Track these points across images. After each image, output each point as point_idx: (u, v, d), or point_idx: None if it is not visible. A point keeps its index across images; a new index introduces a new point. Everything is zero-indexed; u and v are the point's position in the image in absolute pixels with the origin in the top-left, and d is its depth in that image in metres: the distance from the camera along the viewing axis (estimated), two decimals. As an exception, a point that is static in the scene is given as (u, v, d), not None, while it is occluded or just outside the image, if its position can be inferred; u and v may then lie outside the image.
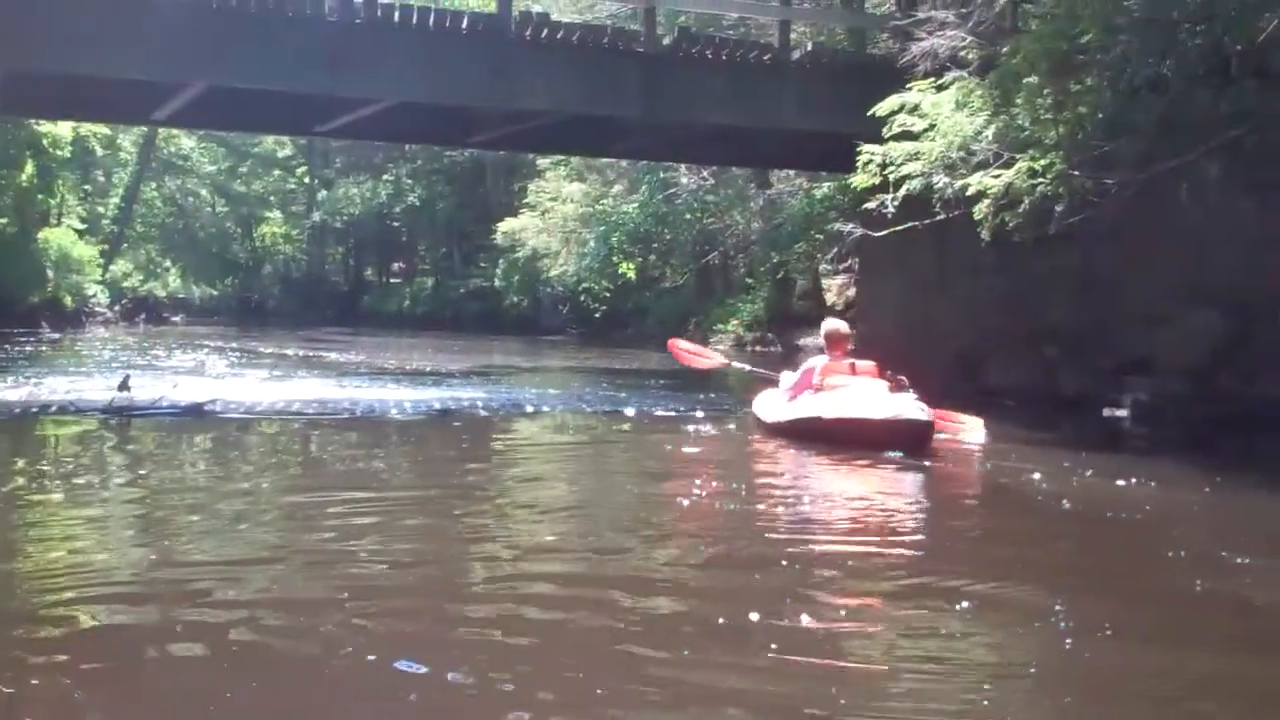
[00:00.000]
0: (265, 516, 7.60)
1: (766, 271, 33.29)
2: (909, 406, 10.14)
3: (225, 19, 12.87)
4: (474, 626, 5.08)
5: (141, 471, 9.41)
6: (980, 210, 12.38)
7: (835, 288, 33.22)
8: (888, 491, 8.98)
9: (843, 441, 10.08)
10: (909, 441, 9.90)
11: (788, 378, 11.82)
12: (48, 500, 7.94)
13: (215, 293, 60.17)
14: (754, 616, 5.06)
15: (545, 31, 13.98)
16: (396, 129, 16.89)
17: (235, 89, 14.03)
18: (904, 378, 10.69)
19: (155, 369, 20.73)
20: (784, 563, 6.18)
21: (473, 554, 6.56)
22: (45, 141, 35.66)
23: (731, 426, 12.62)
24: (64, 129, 35.89)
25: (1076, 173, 11.76)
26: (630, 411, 13.87)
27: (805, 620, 5.05)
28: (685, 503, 8.08)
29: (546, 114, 14.96)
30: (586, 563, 6.38)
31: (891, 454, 9.84)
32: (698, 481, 8.67)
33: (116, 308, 48.29)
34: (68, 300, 40.54)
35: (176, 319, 52.94)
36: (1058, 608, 5.29)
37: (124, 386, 12.89)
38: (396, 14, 13.60)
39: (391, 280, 62.70)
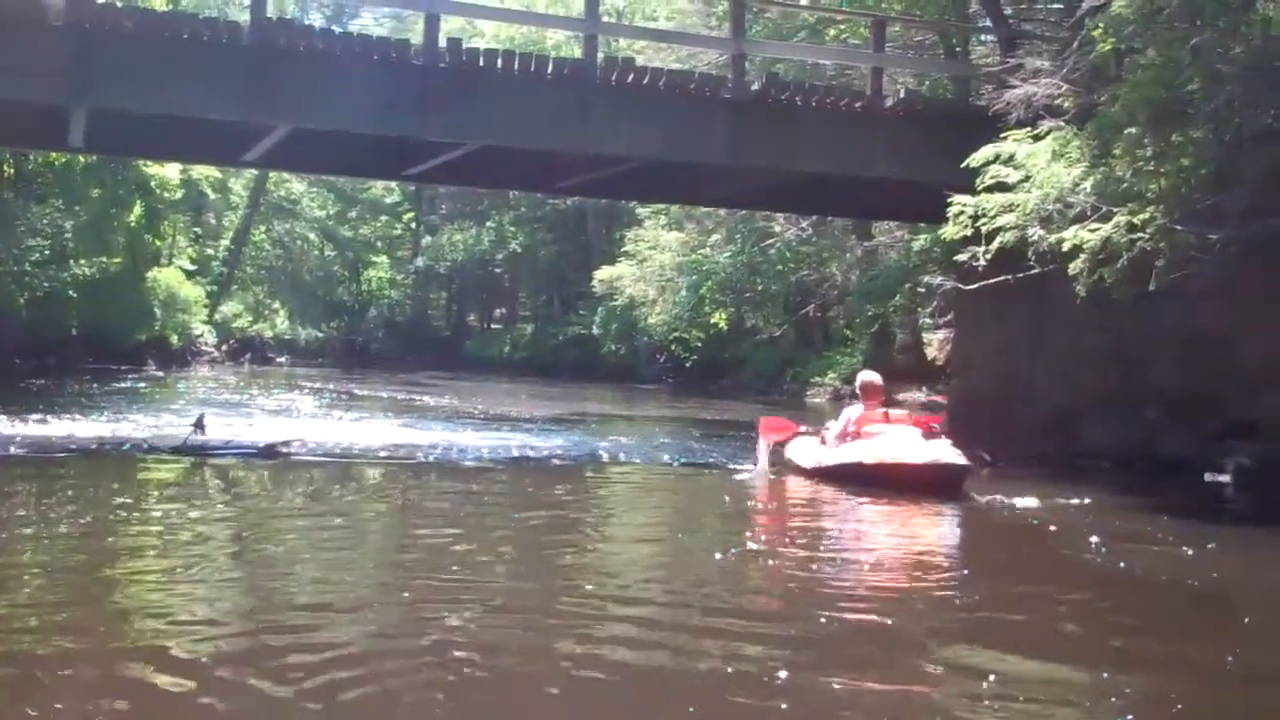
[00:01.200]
0: (302, 561, 7.52)
1: (865, 324, 32.75)
2: (946, 451, 10.99)
3: (311, 62, 12.85)
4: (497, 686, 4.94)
5: (195, 513, 9.28)
6: (1076, 265, 11.85)
7: (936, 342, 32.57)
8: (937, 550, 9.09)
9: (883, 484, 10.83)
10: (946, 484, 10.69)
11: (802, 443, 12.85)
12: (95, 540, 7.89)
13: (321, 335, 60.88)
14: (783, 674, 5.00)
15: (630, 76, 13.78)
16: (484, 173, 16.74)
17: (322, 131, 14.04)
18: (937, 425, 11.75)
19: (245, 408, 20.92)
20: (823, 620, 6.10)
21: (500, 607, 6.31)
22: (153, 183, 36.43)
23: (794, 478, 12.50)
24: (171, 171, 36.63)
25: (1179, 227, 11.22)
26: (707, 461, 13.60)
27: (837, 687, 4.93)
28: (719, 557, 7.89)
29: (630, 160, 14.74)
30: (620, 622, 6.16)
31: (935, 501, 10.42)
32: (748, 534, 8.63)
33: (224, 347, 49.05)
34: (174, 339, 41.31)
35: (282, 360, 53.55)
36: (1103, 680, 5.12)
37: (199, 426, 12.84)
38: (481, 58, 13.52)
39: (493, 326, 63.05)
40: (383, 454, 13.55)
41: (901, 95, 15.10)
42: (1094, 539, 8.71)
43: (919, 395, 30.61)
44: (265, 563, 7.46)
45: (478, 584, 6.88)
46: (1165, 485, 12.53)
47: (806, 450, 12.54)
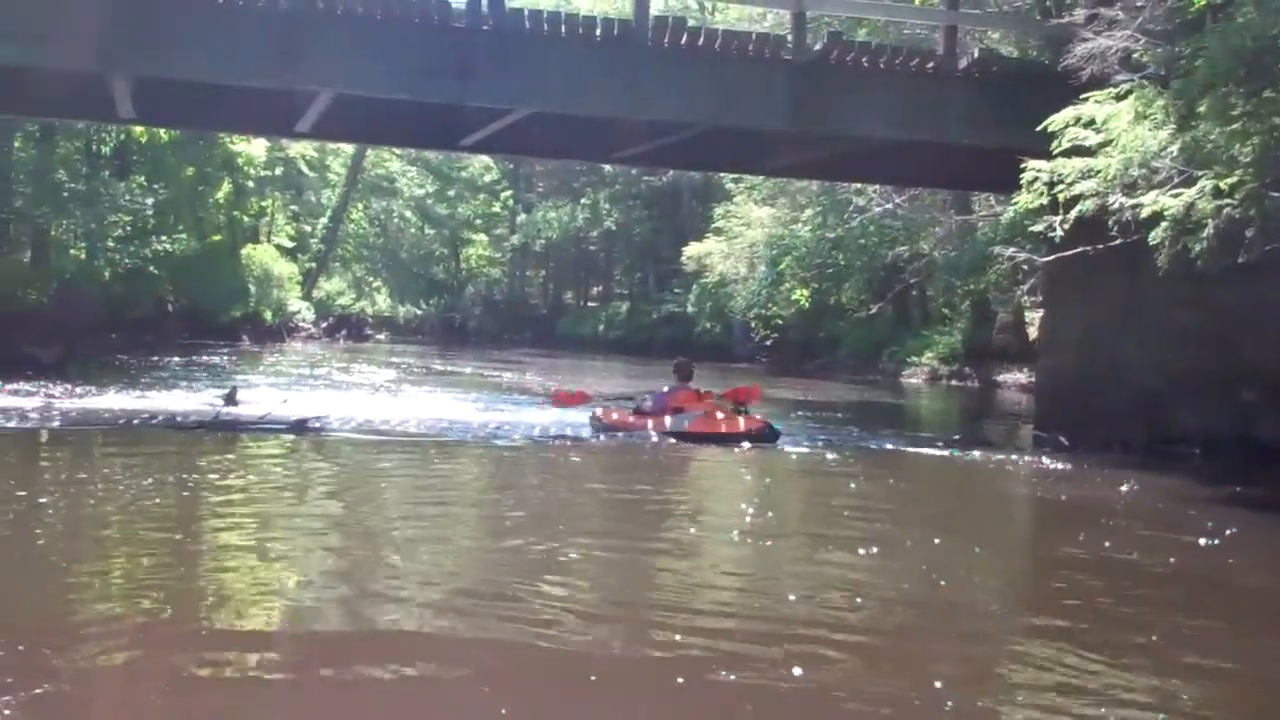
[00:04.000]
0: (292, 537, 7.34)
1: (962, 301, 31.60)
2: (757, 422, 13.56)
3: (349, 26, 12.37)
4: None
5: (196, 489, 8.90)
6: (1157, 234, 10.91)
7: (1039, 320, 31.28)
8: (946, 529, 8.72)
9: (716, 443, 13.07)
10: (764, 437, 13.20)
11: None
12: (116, 513, 7.81)
13: (420, 312, 61.07)
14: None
15: (684, 38, 13.06)
16: (539, 143, 16.17)
17: (367, 99, 13.61)
18: (745, 397, 14.45)
19: (312, 382, 20.73)
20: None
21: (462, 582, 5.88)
22: (240, 159, 36.60)
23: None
24: (258, 148, 36.79)
25: (1275, 193, 10.21)
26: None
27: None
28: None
29: (685, 126, 14.05)
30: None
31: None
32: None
33: (324, 324, 49.32)
34: (268, 315, 41.52)
35: (381, 337, 53.82)
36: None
37: (231, 400, 12.52)
38: (526, 21, 12.90)
39: (589, 304, 62.62)
40: (414, 430, 13.21)
41: (975, 55, 14.12)
42: (1128, 525, 8.53)
43: (1019, 377, 29.49)
44: (297, 535, 7.47)
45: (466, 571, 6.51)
46: (1259, 474, 11.57)
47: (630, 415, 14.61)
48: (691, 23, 13.75)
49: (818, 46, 13.57)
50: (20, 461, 10.43)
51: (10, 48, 11.72)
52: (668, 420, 13.77)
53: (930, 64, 13.85)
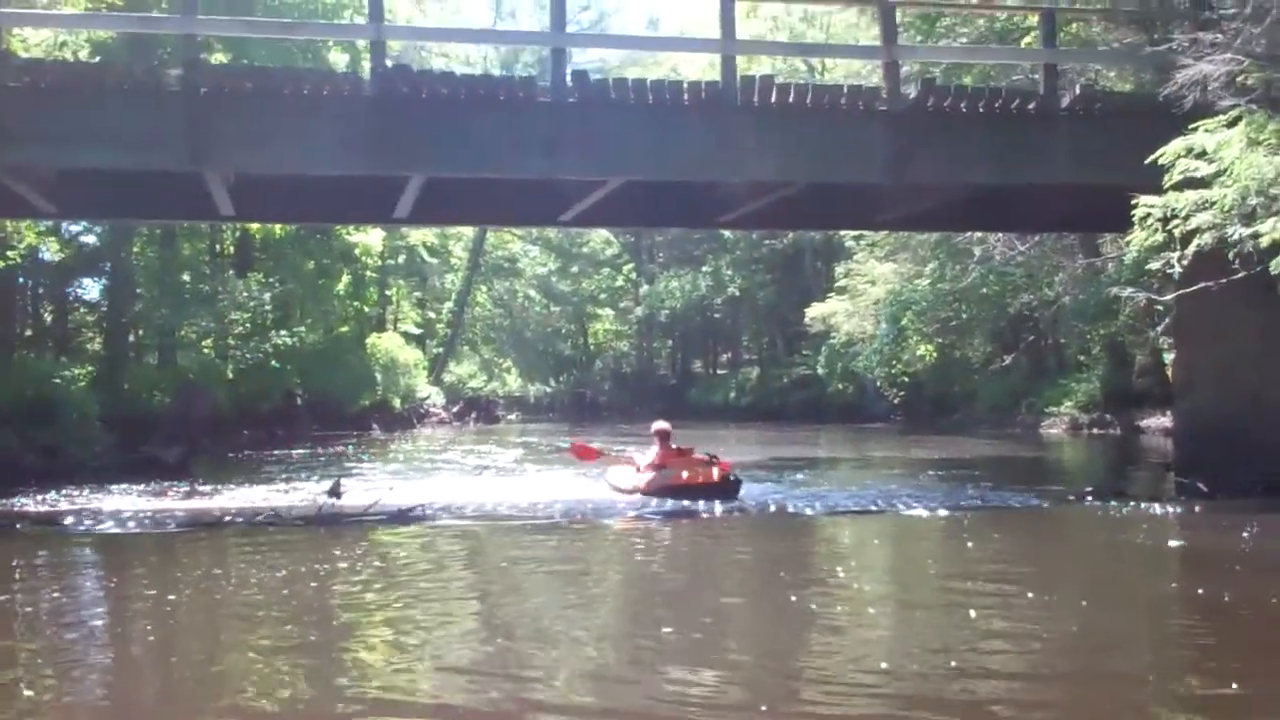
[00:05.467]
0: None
1: (1095, 346, 30.56)
2: (725, 475, 14.80)
3: (435, 109, 12.37)
4: None
5: (309, 585, 8.77)
6: (1278, 264, 10.28)
7: (1173, 361, 30.11)
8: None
9: (692, 495, 14.22)
10: (730, 491, 14.45)
11: (618, 470, 16.64)
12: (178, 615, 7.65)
13: (550, 390, 61.47)
14: None
15: (774, 95, 12.80)
16: (640, 213, 16.04)
17: (458, 180, 13.63)
18: (715, 455, 15.44)
19: (430, 466, 20.79)
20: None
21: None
22: (357, 250, 37.16)
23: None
24: (375, 238, 37.31)
25: None
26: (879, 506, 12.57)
27: None
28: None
29: (782, 185, 13.76)
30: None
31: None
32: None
33: (454, 408, 49.70)
34: (396, 402, 41.87)
35: (511, 417, 54.10)
36: None
37: (334, 493, 12.47)
38: (612, 90, 12.79)
39: (718, 371, 62.29)
40: (520, 514, 12.98)
41: (1078, 91, 13.60)
42: (1252, 575, 8.29)
43: (1163, 421, 28.34)
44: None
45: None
46: None
47: (625, 478, 15.91)
48: (782, 80, 13.44)
49: (912, 95, 13.23)
50: (140, 562, 10.46)
51: (103, 152, 11.91)
52: (653, 476, 14.95)
53: (1031, 104, 13.38)
